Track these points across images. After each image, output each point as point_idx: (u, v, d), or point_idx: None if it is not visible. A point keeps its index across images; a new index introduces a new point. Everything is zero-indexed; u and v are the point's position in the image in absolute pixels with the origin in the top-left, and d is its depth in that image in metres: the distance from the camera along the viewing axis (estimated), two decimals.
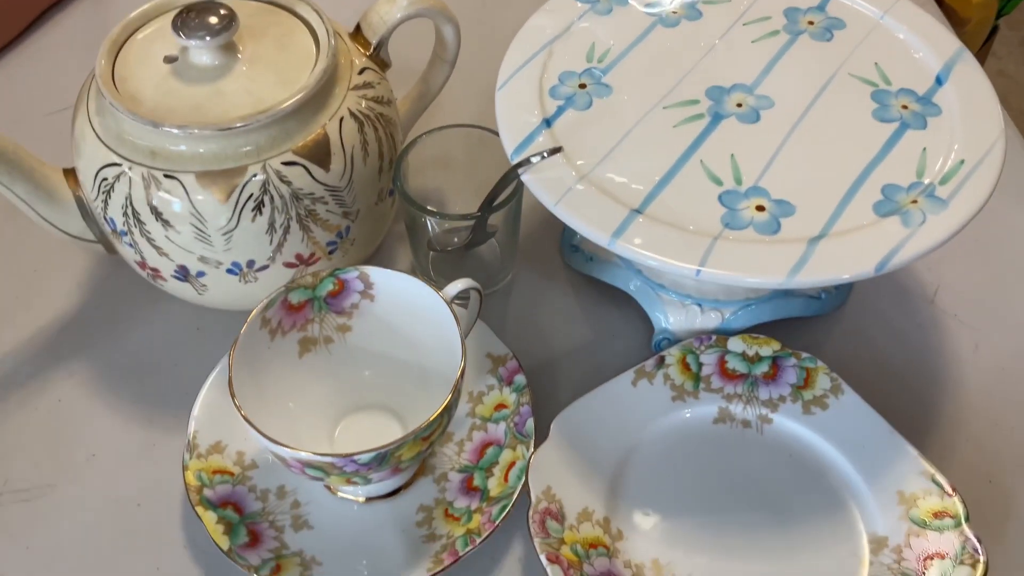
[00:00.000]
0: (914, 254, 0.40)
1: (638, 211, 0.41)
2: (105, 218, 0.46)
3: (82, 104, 0.46)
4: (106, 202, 0.45)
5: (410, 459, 0.40)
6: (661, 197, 0.42)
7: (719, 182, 0.43)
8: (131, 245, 0.46)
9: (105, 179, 0.44)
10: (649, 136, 0.45)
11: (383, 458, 0.38)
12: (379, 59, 0.50)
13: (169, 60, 0.45)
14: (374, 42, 0.49)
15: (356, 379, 0.47)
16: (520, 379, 0.47)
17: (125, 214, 0.44)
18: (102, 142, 0.44)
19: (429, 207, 0.51)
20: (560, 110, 0.46)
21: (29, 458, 0.48)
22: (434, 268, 0.54)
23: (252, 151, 0.43)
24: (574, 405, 0.47)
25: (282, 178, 0.44)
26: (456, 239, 0.50)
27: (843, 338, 0.53)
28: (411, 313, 0.45)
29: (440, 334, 0.44)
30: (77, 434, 0.48)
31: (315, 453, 0.37)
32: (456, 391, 0.40)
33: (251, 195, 0.43)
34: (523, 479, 0.44)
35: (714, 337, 0.49)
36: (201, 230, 0.44)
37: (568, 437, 0.46)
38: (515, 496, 0.43)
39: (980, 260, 0.56)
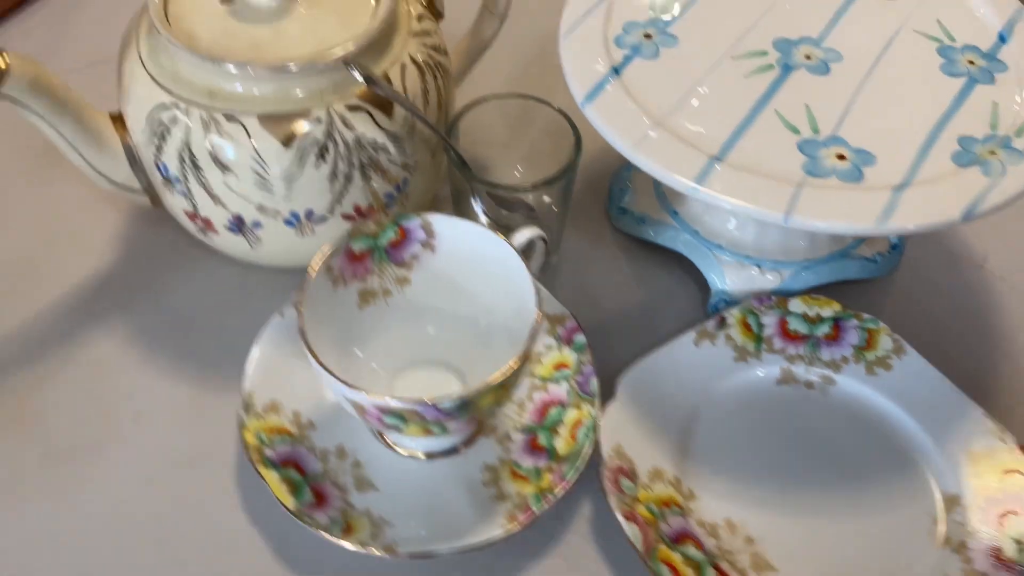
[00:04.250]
0: (999, 202, 0.39)
1: (717, 158, 0.40)
2: (158, 164, 0.44)
3: (130, 47, 0.44)
4: (159, 146, 0.43)
5: (489, 407, 0.39)
6: (739, 145, 0.41)
7: (796, 131, 0.42)
8: (184, 193, 0.44)
9: (160, 121, 0.42)
10: (720, 86, 0.44)
11: (466, 405, 0.37)
12: (434, 8, 0.49)
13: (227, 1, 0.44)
14: None
15: (414, 334, 0.46)
16: (580, 338, 0.46)
17: (180, 159, 0.43)
18: (156, 82, 0.42)
19: (483, 177, 0.50)
20: (627, 59, 0.45)
21: (73, 417, 0.45)
22: None
23: (316, 94, 0.42)
24: (638, 364, 0.46)
25: (346, 123, 0.42)
26: (504, 211, 0.49)
27: (897, 301, 0.53)
28: (473, 264, 0.44)
29: (505, 285, 0.42)
30: (121, 393, 0.46)
31: (399, 399, 0.36)
32: (533, 336, 0.38)
33: (315, 140, 0.42)
34: (592, 437, 0.43)
35: (774, 298, 0.49)
36: (262, 176, 0.42)
37: (635, 396, 0.45)
38: (586, 454, 0.42)
39: None
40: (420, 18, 0.47)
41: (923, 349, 0.48)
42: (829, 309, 0.49)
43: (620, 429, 0.44)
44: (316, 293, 0.40)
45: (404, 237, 0.44)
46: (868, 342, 0.48)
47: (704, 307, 0.52)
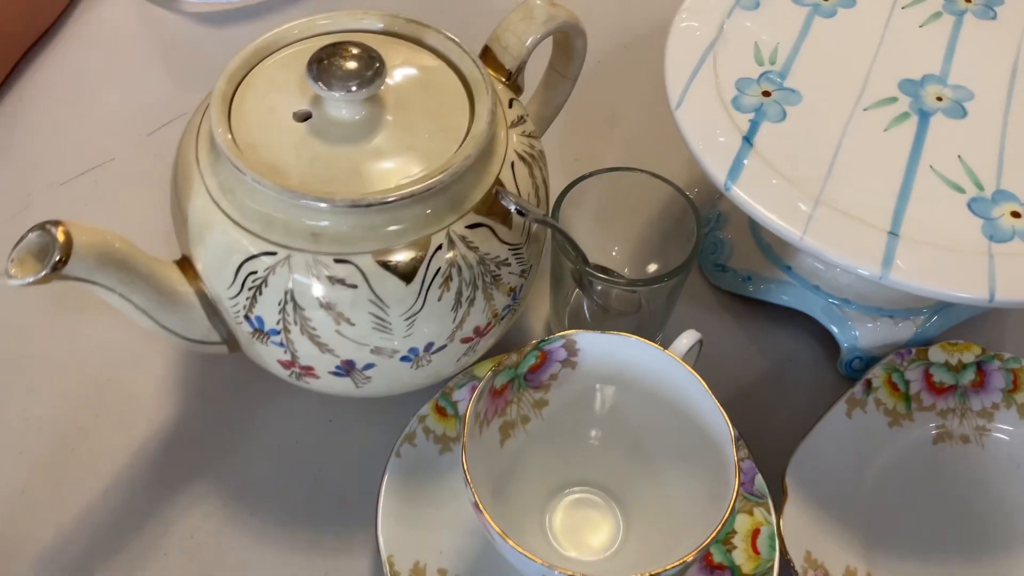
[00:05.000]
0: None
1: (895, 233, 0.37)
2: (249, 318, 0.37)
3: (192, 181, 0.38)
4: (253, 299, 0.37)
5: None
6: (909, 214, 0.37)
7: (960, 189, 0.38)
8: (281, 344, 0.38)
9: (253, 272, 0.36)
10: (863, 144, 0.40)
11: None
12: (516, 86, 0.44)
13: (301, 117, 0.37)
14: (512, 68, 0.42)
15: (557, 457, 0.41)
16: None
17: (283, 311, 0.36)
18: (243, 228, 0.36)
19: (595, 267, 0.45)
20: (754, 124, 0.41)
21: None
22: (571, 322, 0.48)
23: (433, 218, 0.36)
24: (799, 453, 0.42)
25: (468, 244, 0.37)
26: (604, 301, 0.45)
27: (1016, 329, 0.50)
28: (621, 377, 0.39)
29: (665, 397, 0.38)
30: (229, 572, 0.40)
31: None
32: (737, 470, 0.34)
33: (438, 270, 0.36)
34: (777, 547, 0.39)
35: (914, 350, 0.46)
36: (381, 319, 0.36)
37: (805, 490, 0.41)
38: (775, 568, 0.38)
39: None
40: (511, 103, 0.41)
41: None
42: (970, 354, 0.46)
43: (802, 532, 0.40)
44: (471, 448, 0.35)
45: (544, 360, 0.39)
46: (1015, 383, 0.45)
47: (833, 366, 0.48)
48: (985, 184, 0.39)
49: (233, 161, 0.35)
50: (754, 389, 0.48)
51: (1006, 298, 0.35)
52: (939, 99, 0.42)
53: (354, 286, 0.36)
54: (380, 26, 0.41)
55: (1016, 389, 0.45)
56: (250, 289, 0.36)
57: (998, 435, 0.45)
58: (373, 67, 0.36)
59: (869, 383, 0.45)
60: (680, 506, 0.38)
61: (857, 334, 0.47)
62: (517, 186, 0.39)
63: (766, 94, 0.42)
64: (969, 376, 0.46)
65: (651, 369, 0.38)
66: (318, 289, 0.36)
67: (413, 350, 0.38)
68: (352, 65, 0.36)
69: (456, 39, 0.40)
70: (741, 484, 0.41)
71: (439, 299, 0.37)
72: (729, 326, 0.50)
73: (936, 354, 0.46)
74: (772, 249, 0.49)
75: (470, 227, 0.37)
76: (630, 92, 0.61)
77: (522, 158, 0.40)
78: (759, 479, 0.41)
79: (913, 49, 0.44)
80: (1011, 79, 0.43)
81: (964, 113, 0.41)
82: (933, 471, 0.44)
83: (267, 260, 0.36)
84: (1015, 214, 0.38)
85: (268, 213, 0.36)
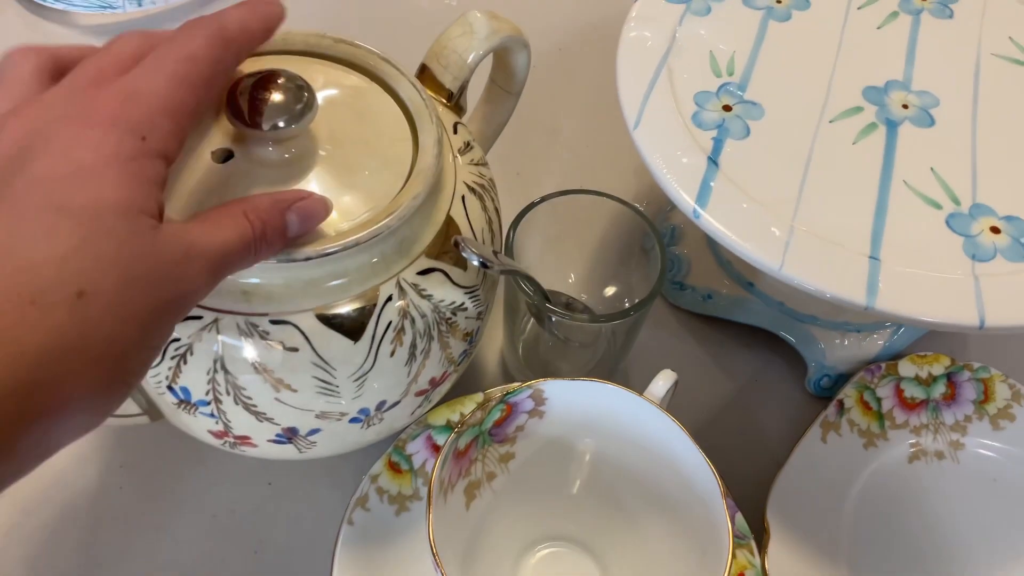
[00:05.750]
0: None
1: (875, 258, 0.34)
2: (173, 388, 0.33)
3: None
4: (177, 368, 0.32)
5: None
6: (888, 235, 0.35)
7: (937, 205, 0.36)
8: (213, 415, 0.34)
9: (176, 339, 0.31)
10: (832, 159, 0.38)
11: None
12: (459, 107, 0.40)
13: (221, 157, 0.33)
14: (454, 88, 0.39)
15: (530, 512, 0.38)
16: None
17: (212, 380, 0.32)
18: None
19: (556, 301, 0.41)
20: (718, 142, 0.38)
21: None
22: (526, 353, 0.45)
23: (380, 266, 0.32)
24: (778, 485, 0.40)
25: (421, 292, 0.33)
26: (564, 333, 0.42)
27: (988, 338, 0.49)
28: (593, 425, 0.36)
29: (643, 446, 0.35)
30: None
31: None
32: (731, 532, 0.32)
33: (389, 323, 0.32)
34: None
35: (884, 365, 0.44)
36: (327, 382, 0.32)
37: (787, 525, 0.39)
38: None
39: None
40: (456, 128, 0.38)
41: None
42: (939, 365, 0.44)
43: (788, 571, 0.38)
44: (438, 519, 0.32)
45: (510, 412, 0.35)
46: (985, 394, 0.44)
47: (801, 384, 0.46)
48: (961, 198, 0.37)
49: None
50: (721, 414, 0.45)
51: (997, 323, 0.33)
52: (905, 107, 0.40)
53: (294, 349, 0.31)
54: (304, 47, 0.36)
55: (987, 400, 0.44)
56: (173, 358, 0.32)
57: (972, 449, 0.44)
58: (302, 98, 0.32)
59: (841, 404, 0.43)
60: (663, 560, 0.36)
61: (825, 351, 0.45)
62: (470, 222, 0.35)
63: (727, 108, 0.39)
64: (940, 389, 0.44)
65: (626, 416, 0.35)
66: (252, 354, 0.31)
67: (364, 411, 0.34)
68: (278, 97, 0.32)
69: (392, 60, 0.36)
70: None
71: (391, 355, 0.33)
72: (691, 348, 0.47)
73: (906, 368, 0.44)
74: (732, 266, 0.47)
75: (422, 273, 0.33)
76: (571, 99, 0.58)
77: (472, 190, 0.36)
78: (740, 518, 0.39)
79: (873, 53, 0.42)
80: (975, 82, 0.41)
81: (932, 121, 0.39)
82: (911, 491, 0.43)
83: (191, 324, 0.31)
84: (994, 229, 0.36)
85: None
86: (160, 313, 0.24)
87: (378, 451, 0.39)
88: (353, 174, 0.33)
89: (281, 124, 0.31)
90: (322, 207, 0.30)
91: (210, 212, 0.28)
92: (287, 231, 0.29)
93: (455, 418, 0.39)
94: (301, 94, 0.32)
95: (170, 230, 0.25)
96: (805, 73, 0.41)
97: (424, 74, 0.39)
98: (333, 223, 0.31)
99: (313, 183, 0.32)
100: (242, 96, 0.31)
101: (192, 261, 0.25)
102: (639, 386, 0.36)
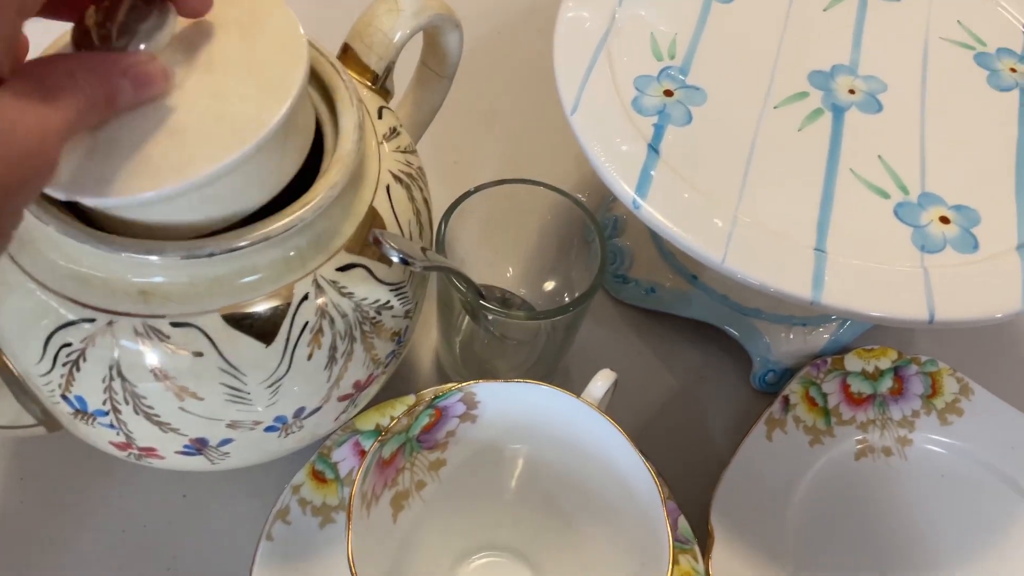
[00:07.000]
0: None
1: (821, 250, 0.33)
2: (68, 397, 0.30)
3: None
4: (70, 376, 0.29)
5: None
6: (834, 225, 0.34)
7: (885, 194, 0.35)
8: (112, 426, 0.31)
9: (67, 344, 0.28)
10: (777, 147, 0.36)
11: None
12: (385, 91, 0.37)
13: None
14: (379, 69, 0.36)
15: (462, 521, 0.35)
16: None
17: (108, 389, 0.29)
18: (48, 289, 0.28)
19: (490, 298, 0.39)
20: (659, 129, 0.36)
21: None
22: (463, 351, 0.43)
23: (295, 261, 0.30)
24: (722, 487, 0.39)
25: (341, 290, 0.30)
26: (502, 331, 0.40)
27: (936, 331, 0.48)
28: (529, 429, 0.34)
29: (581, 450, 0.33)
30: None
31: None
32: (673, 528, 0.30)
33: (305, 324, 0.30)
34: None
35: (829, 360, 0.43)
36: (236, 389, 0.30)
37: (732, 528, 0.38)
38: None
39: None
40: (380, 112, 0.35)
41: (990, 384, 0.43)
42: (886, 359, 0.43)
43: (733, 575, 0.37)
44: (358, 535, 0.29)
45: (440, 417, 0.33)
46: (933, 388, 0.43)
47: (746, 379, 0.45)
48: (910, 187, 0.35)
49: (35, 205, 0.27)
50: (664, 411, 0.44)
51: (947, 317, 0.31)
52: (852, 92, 0.38)
53: (198, 353, 0.29)
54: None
55: (935, 394, 0.43)
56: (65, 364, 0.29)
57: (920, 444, 0.43)
58: (155, 15, 0.26)
59: (787, 400, 0.42)
60: (602, 568, 0.34)
61: (770, 345, 0.43)
62: (395, 213, 0.33)
63: (668, 93, 0.37)
64: (887, 383, 0.43)
65: (563, 419, 0.33)
66: (152, 359, 0.29)
67: (280, 418, 0.32)
68: (133, 19, 0.27)
69: (307, 36, 0.33)
70: None
71: (308, 358, 0.30)
72: (633, 343, 0.46)
73: (852, 362, 0.43)
74: (676, 258, 0.45)
75: (341, 269, 0.30)
76: (509, 83, 0.56)
77: (398, 179, 0.34)
78: (683, 522, 0.37)
79: (819, 36, 0.40)
80: (923, 66, 0.40)
81: (879, 107, 0.38)
82: (858, 488, 0.41)
83: (84, 328, 0.28)
84: (944, 219, 0.34)
85: (81, 270, 0.28)
86: None
87: (302, 459, 0.36)
88: (225, 101, 0.28)
89: (133, 43, 0.27)
90: (160, 75, 0.26)
91: (31, 73, 0.23)
92: (117, 99, 0.25)
93: (385, 422, 0.37)
94: (149, 9, 0.27)
95: None
96: (748, 57, 0.39)
97: (347, 54, 0.36)
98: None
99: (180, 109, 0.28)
100: (86, 26, 0.27)
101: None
102: (580, 384, 0.34)
